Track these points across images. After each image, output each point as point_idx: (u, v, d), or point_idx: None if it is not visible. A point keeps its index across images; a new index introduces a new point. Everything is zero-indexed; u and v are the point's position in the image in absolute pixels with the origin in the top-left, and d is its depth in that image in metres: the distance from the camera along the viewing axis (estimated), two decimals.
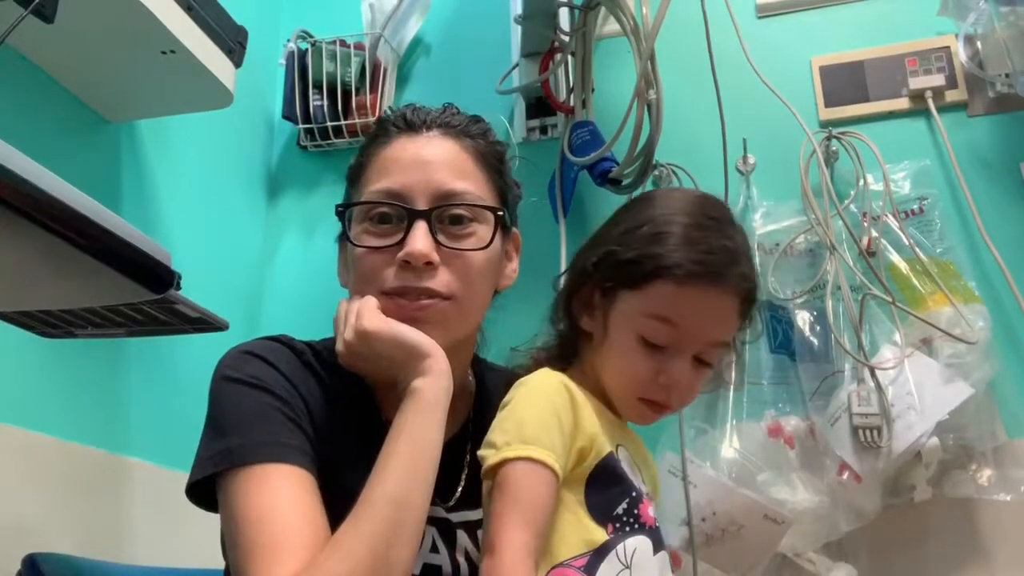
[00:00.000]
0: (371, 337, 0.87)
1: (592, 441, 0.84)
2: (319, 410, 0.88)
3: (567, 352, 0.96)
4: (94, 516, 1.32)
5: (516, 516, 0.77)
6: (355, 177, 0.98)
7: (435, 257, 0.89)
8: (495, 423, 0.85)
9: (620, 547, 0.81)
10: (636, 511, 0.84)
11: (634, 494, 0.85)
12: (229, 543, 0.80)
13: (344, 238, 0.98)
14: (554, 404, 0.84)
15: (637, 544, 0.82)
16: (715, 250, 0.86)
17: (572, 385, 0.87)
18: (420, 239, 0.88)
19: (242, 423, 0.83)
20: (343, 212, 0.95)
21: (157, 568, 1.17)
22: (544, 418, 0.82)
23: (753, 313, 0.93)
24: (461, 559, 0.89)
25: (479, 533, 0.91)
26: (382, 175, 0.93)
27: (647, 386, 0.88)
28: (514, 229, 1.03)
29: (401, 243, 0.89)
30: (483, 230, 0.93)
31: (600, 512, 0.82)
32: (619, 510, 0.83)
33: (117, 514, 1.37)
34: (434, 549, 0.88)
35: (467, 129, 0.97)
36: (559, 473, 0.80)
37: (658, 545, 0.85)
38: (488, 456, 0.81)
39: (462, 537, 0.90)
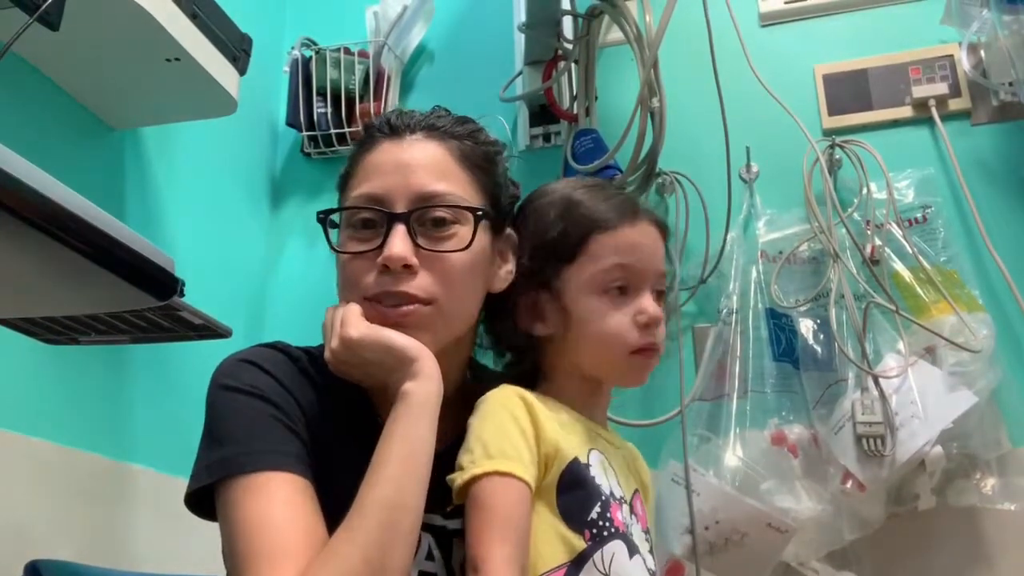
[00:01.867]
0: (357, 344, 0.86)
1: (556, 447, 0.84)
2: (316, 416, 0.88)
3: (528, 373, 0.96)
4: (97, 523, 1.32)
5: (495, 531, 0.77)
6: (343, 185, 0.98)
7: (413, 260, 0.88)
8: (464, 444, 0.85)
9: (598, 555, 0.81)
10: (609, 514, 0.84)
11: (604, 497, 0.85)
12: (228, 552, 0.80)
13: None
14: (513, 415, 0.84)
15: (614, 550, 0.82)
16: (618, 196, 0.96)
17: (528, 395, 0.87)
18: (397, 243, 0.88)
19: (239, 432, 0.83)
20: (324, 219, 0.95)
21: (158, 575, 1.17)
22: (506, 430, 0.83)
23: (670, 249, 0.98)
24: (456, 568, 0.89)
25: None
26: (363, 180, 0.93)
27: (632, 334, 0.90)
28: (509, 230, 1.00)
29: (382, 247, 0.89)
30: (465, 231, 0.91)
31: (575, 519, 0.82)
32: (593, 515, 0.83)
33: (120, 521, 1.37)
34: (429, 557, 0.88)
35: (452, 130, 0.96)
36: (530, 483, 0.80)
37: (632, 550, 0.85)
38: (455, 478, 0.81)
39: (459, 547, 0.90)
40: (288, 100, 1.99)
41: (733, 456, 1.45)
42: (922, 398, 1.39)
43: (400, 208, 0.90)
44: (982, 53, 1.65)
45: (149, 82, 1.35)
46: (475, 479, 0.80)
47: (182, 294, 0.69)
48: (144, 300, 0.67)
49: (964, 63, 1.66)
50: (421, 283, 0.88)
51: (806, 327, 1.55)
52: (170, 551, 1.41)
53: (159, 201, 1.58)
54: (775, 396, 1.52)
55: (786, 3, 1.85)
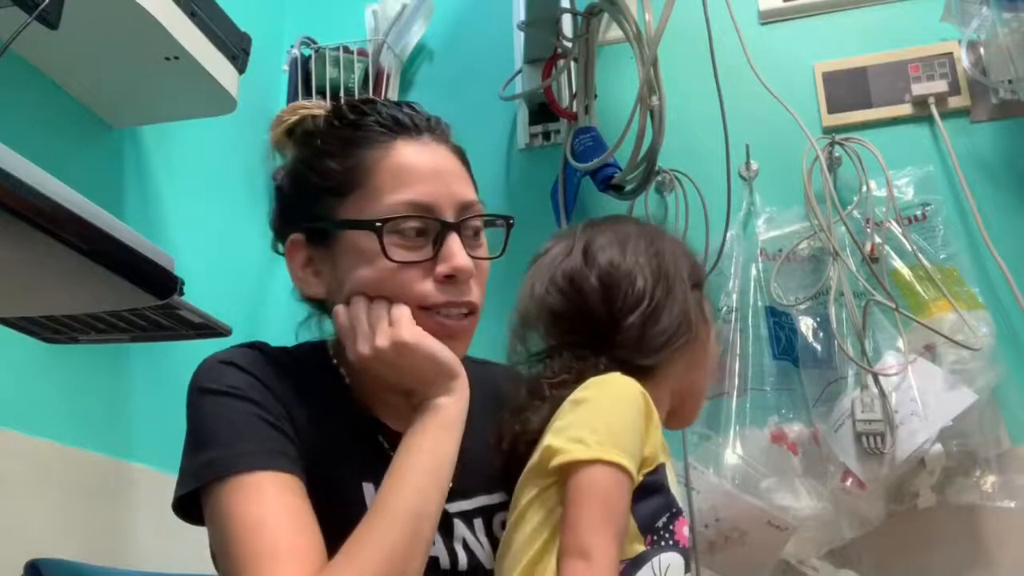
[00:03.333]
0: (407, 349, 0.85)
1: (655, 455, 0.85)
2: (299, 413, 0.87)
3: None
4: (97, 522, 1.32)
5: (612, 528, 0.77)
6: (355, 183, 0.91)
7: (474, 271, 0.90)
8: (574, 417, 0.83)
9: (656, 560, 0.81)
10: (672, 527, 0.84)
11: (674, 510, 0.85)
12: (221, 555, 0.79)
13: (318, 242, 0.93)
14: (636, 412, 0.84)
15: (671, 561, 0.82)
16: None
17: (647, 395, 0.87)
18: (463, 253, 0.88)
19: (224, 433, 0.83)
20: (380, 228, 0.87)
21: (160, 574, 1.17)
22: (632, 426, 0.82)
23: None
24: (459, 548, 0.89)
25: (475, 522, 0.91)
26: (401, 184, 0.89)
27: None
28: None
29: (435, 256, 0.88)
30: (485, 238, 0.95)
31: (642, 522, 0.82)
32: (659, 523, 0.83)
33: (120, 520, 1.37)
34: None
35: (447, 131, 0.96)
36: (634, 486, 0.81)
37: (688, 566, 0.85)
38: (574, 450, 0.79)
39: (459, 527, 0.90)
40: (287, 99, 1.99)
41: (733, 454, 1.45)
42: (922, 396, 1.40)
43: (449, 216, 0.90)
44: (982, 51, 1.64)
45: (148, 81, 1.35)
46: (598, 462, 0.78)
47: (182, 293, 0.69)
48: (144, 299, 0.67)
49: (964, 61, 1.65)
50: (475, 292, 0.91)
51: (806, 325, 1.55)
52: (170, 550, 1.41)
53: (159, 200, 1.58)
54: (775, 394, 1.52)
55: (786, 1, 1.84)
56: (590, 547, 0.75)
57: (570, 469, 0.79)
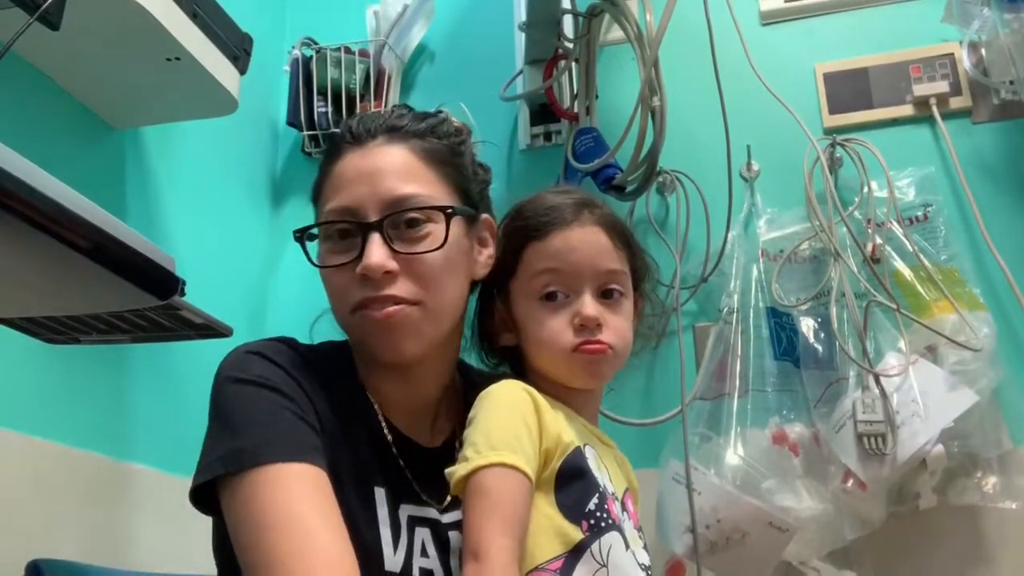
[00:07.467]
0: None
1: (557, 441, 0.85)
2: (323, 409, 0.87)
3: (517, 375, 0.97)
4: (98, 522, 1.32)
5: (497, 521, 0.77)
6: (316, 198, 0.97)
7: (392, 265, 0.88)
8: (465, 436, 0.85)
9: (595, 545, 0.81)
10: (605, 506, 0.84)
11: (600, 490, 0.85)
12: (244, 546, 0.77)
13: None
14: (519, 409, 0.85)
15: (612, 541, 0.83)
16: (558, 202, 0.96)
17: (533, 390, 0.88)
18: (375, 252, 0.87)
19: (252, 423, 0.82)
20: (300, 238, 0.93)
21: (160, 574, 1.17)
22: (511, 424, 0.83)
23: (635, 244, 0.99)
24: (454, 564, 0.88)
25: None
26: (334, 193, 0.92)
27: (566, 335, 0.90)
28: (484, 216, 1.00)
29: (360, 257, 0.88)
30: (438, 229, 0.91)
31: (573, 510, 0.83)
32: (591, 506, 0.83)
33: (121, 520, 1.37)
34: (424, 553, 0.88)
35: (413, 128, 0.95)
36: (531, 476, 0.81)
37: (626, 543, 0.85)
38: (458, 469, 0.81)
39: (455, 539, 0.90)
40: (289, 99, 1.99)
41: (734, 455, 1.44)
42: (923, 397, 1.39)
43: (372, 216, 0.89)
44: (983, 51, 1.65)
45: (150, 81, 1.35)
46: (478, 470, 0.79)
47: (183, 293, 0.69)
48: (145, 299, 0.67)
49: (965, 61, 1.66)
50: (403, 287, 0.88)
51: (807, 326, 1.55)
52: (171, 550, 1.41)
53: (160, 200, 1.58)
54: (776, 395, 1.52)
55: (787, 2, 1.85)
56: (479, 546, 0.76)
57: (460, 486, 0.81)
